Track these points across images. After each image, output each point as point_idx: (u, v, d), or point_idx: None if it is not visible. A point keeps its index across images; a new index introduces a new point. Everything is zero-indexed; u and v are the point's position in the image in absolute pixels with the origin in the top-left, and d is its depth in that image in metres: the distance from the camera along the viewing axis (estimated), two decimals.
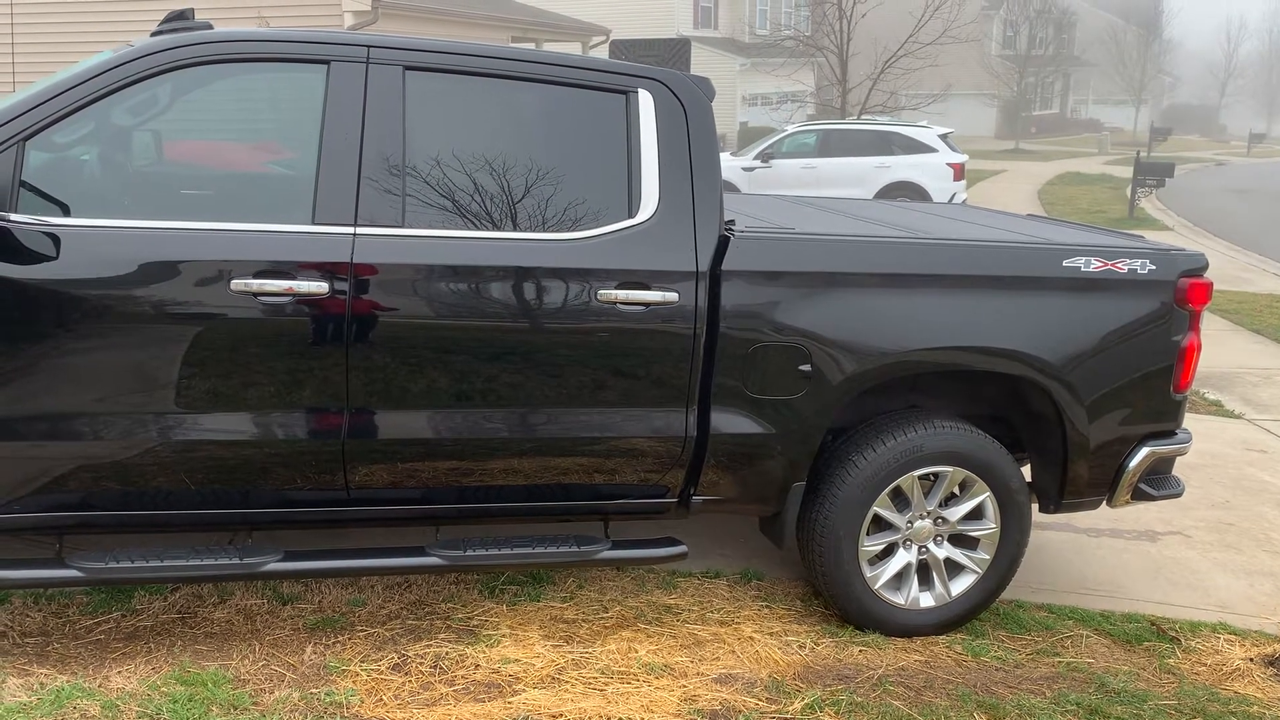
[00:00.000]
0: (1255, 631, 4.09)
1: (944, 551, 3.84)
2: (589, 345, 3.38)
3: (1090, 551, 4.77)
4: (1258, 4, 71.98)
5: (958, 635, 3.88)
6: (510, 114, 3.51)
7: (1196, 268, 3.87)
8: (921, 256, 3.67)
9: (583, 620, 3.80)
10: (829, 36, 24.24)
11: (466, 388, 3.32)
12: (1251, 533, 5.06)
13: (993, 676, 3.63)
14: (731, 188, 15.61)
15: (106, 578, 3.23)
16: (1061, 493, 3.90)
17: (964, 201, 16.54)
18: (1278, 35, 71.53)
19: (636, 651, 3.59)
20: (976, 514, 3.81)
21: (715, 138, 3.55)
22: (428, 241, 3.25)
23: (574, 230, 3.37)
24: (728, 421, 3.53)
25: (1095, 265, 3.73)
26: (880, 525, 3.76)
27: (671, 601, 3.98)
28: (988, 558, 3.84)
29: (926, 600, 3.84)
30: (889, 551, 3.81)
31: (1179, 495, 4.08)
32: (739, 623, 3.85)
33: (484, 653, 3.52)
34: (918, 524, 3.78)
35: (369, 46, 3.29)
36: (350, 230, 3.18)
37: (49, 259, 3.01)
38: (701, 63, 22.35)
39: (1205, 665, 3.82)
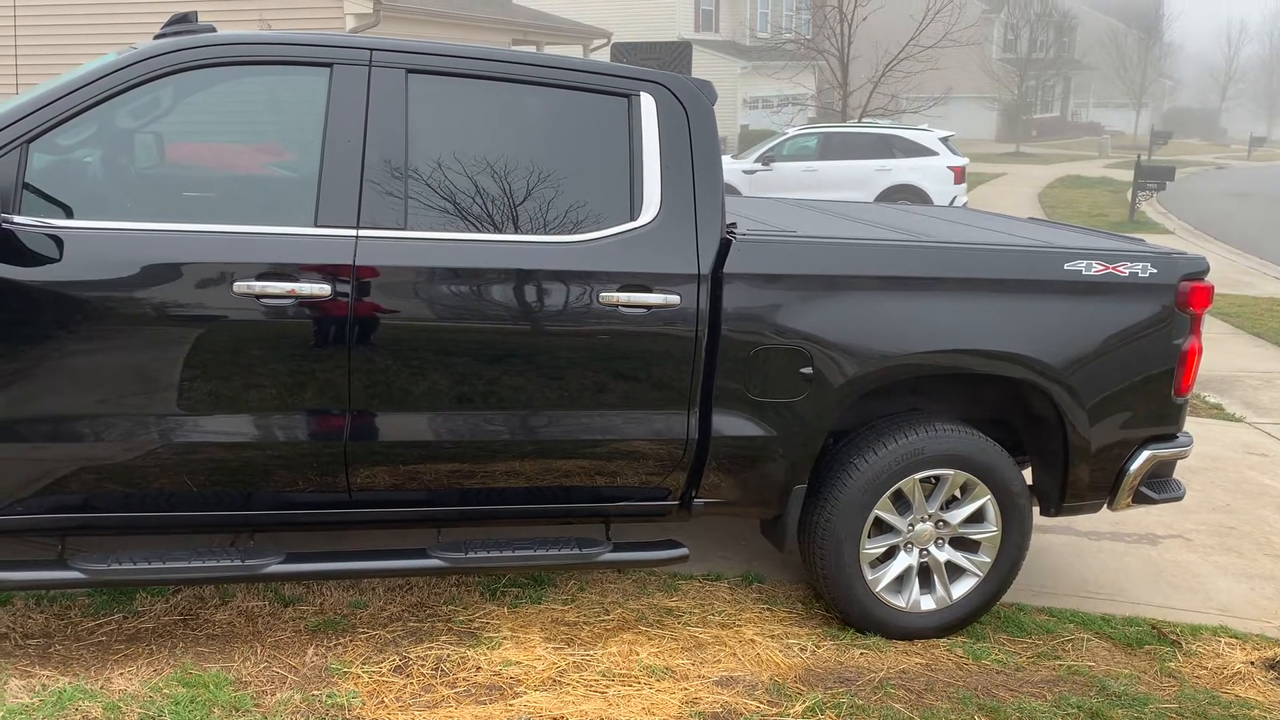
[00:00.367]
0: (1256, 635, 4.09)
1: (945, 554, 3.84)
2: (591, 348, 3.38)
3: (1091, 555, 4.77)
4: (1258, 7, 72.10)
5: (959, 638, 3.88)
6: (512, 117, 3.52)
7: (1197, 271, 3.87)
8: (923, 259, 3.68)
9: (584, 622, 3.81)
10: (830, 40, 24.25)
11: (468, 390, 3.33)
12: (1252, 536, 5.06)
13: (994, 679, 3.63)
14: (732, 190, 15.62)
15: (108, 579, 3.23)
16: (1062, 496, 3.91)
17: (964, 205, 16.56)
18: (1278, 39, 71.57)
19: (638, 654, 3.59)
20: (978, 517, 3.81)
21: (717, 140, 3.56)
22: (430, 244, 3.26)
23: (576, 233, 3.38)
24: (729, 424, 3.53)
25: (1096, 268, 3.73)
26: (881, 528, 3.77)
27: (673, 604, 3.98)
28: (989, 561, 3.85)
29: (927, 603, 3.85)
30: (890, 554, 3.81)
31: (1180, 499, 4.08)
32: (740, 625, 3.86)
33: (485, 655, 3.53)
34: (919, 527, 3.79)
35: (371, 49, 3.30)
36: (353, 233, 3.19)
37: (52, 261, 3.02)
38: (702, 66, 22.38)
39: (1206, 669, 3.82)
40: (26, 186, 3.05)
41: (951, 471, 3.72)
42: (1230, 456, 6.25)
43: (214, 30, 3.33)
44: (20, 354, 3.02)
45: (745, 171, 17.24)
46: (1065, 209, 21.71)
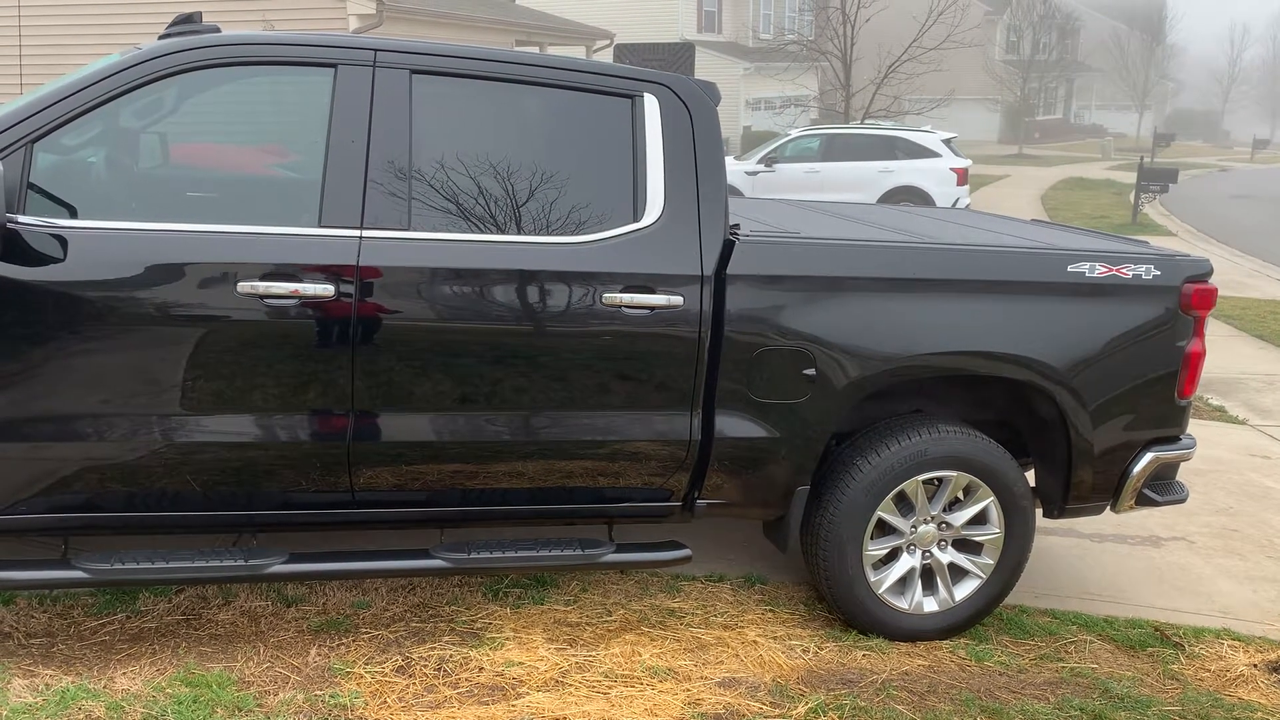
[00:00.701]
0: (1259, 638, 4.09)
1: (948, 556, 3.84)
2: (594, 348, 3.38)
3: (1094, 557, 4.77)
4: (1262, 10, 72.04)
5: (961, 640, 3.88)
6: (516, 118, 3.52)
7: (1201, 273, 3.87)
8: (926, 261, 3.68)
9: (586, 623, 3.81)
10: (833, 41, 24.24)
11: (471, 391, 3.33)
12: (1255, 539, 5.06)
13: (996, 681, 3.63)
14: (735, 192, 15.62)
15: (112, 579, 3.24)
16: (1065, 498, 3.90)
17: (967, 206, 16.55)
18: None
19: (640, 655, 3.59)
20: (980, 519, 3.81)
21: (720, 142, 3.56)
22: (433, 244, 3.26)
23: (579, 234, 3.38)
24: (732, 425, 3.53)
25: (1100, 270, 3.73)
26: (884, 530, 3.77)
27: (675, 605, 3.98)
28: (991, 562, 3.84)
29: (930, 605, 3.84)
30: (893, 556, 3.81)
31: (1183, 501, 4.08)
32: (743, 626, 3.86)
33: (488, 655, 3.53)
34: (922, 529, 3.78)
35: (375, 50, 3.30)
36: (356, 233, 3.19)
37: (56, 261, 3.02)
38: (705, 67, 22.39)
39: (1209, 671, 3.82)
40: (31, 186, 3.05)
41: (954, 473, 3.72)
42: (1233, 459, 6.25)
43: (218, 30, 3.33)
44: (24, 354, 3.03)
45: (748, 173, 17.24)
46: (1068, 211, 21.69)
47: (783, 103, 30.33)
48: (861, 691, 3.47)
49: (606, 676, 3.45)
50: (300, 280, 3.13)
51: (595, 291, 3.34)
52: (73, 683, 3.20)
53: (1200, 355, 3.88)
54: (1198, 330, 3.87)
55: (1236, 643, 4.03)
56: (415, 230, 3.25)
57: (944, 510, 3.79)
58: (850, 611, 3.81)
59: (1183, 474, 4.15)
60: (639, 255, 3.39)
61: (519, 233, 3.36)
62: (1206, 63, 69.45)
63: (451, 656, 3.51)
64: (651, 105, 3.49)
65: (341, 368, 3.22)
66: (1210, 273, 3.91)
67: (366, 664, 3.44)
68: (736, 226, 3.60)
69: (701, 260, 3.43)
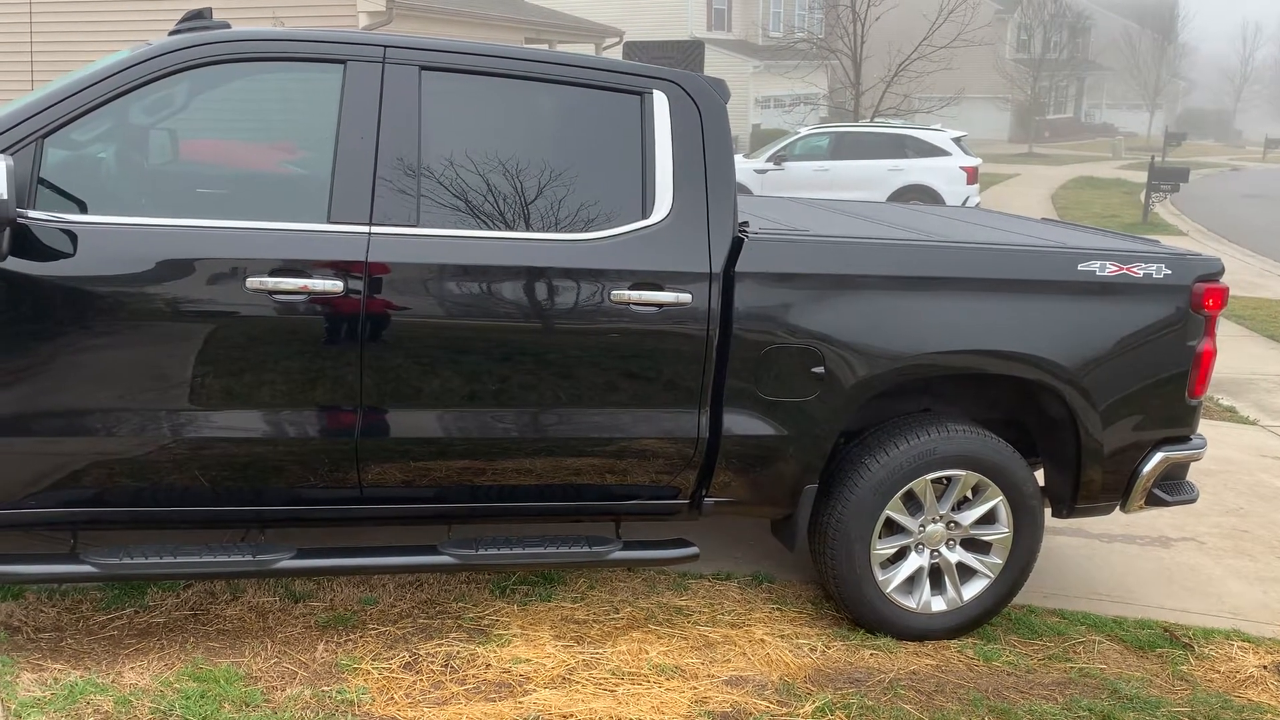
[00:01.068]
0: (1269, 639, 4.07)
1: (956, 555, 3.82)
2: (602, 346, 3.38)
3: (1103, 557, 4.75)
4: (1274, 9, 71.67)
5: (969, 639, 3.87)
6: (525, 114, 3.52)
7: (1212, 272, 3.85)
8: (935, 259, 3.66)
9: (593, 621, 3.80)
10: (842, 39, 24.21)
11: (479, 387, 3.33)
12: (1265, 539, 5.04)
13: (1004, 681, 3.61)
14: (744, 190, 15.61)
15: (120, 574, 3.25)
16: (1075, 497, 3.89)
17: (977, 205, 16.51)
18: None
19: (647, 653, 3.59)
20: (989, 518, 3.80)
21: (730, 139, 3.55)
22: (442, 241, 3.26)
23: (588, 231, 3.37)
24: (740, 423, 3.52)
25: (1110, 269, 3.71)
26: (892, 529, 3.76)
27: (682, 603, 3.98)
28: (1000, 562, 3.83)
29: (938, 604, 3.83)
30: (901, 555, 3.80)
31: (1193, 501, 4.06)
32: (750, 625, 3.85)
33: (495, 652, 3.53)
34: (930, 528, 3.77)
35: (385, 46, 3.30)
36: (365, 229, 3.19)
37: (66, 256, 3.02)
38: (714, 65, 22.37)
39: (1219, 672, 3.80)
40: (41, 181, 3.06)
41: (963, 472, 3.71)
42: (1243, 459, 6.22)
43: (228, 26, 3.33)
44: (33, 348, 3.03)
45: (757, 171, 17.23)
46: (1078, 210, 21.63)
47: (792, 101, 30.26)
48: (869, 690, 3.47)
49: (613, 674, 3.45)
50: (309, 276, 3.13)
51: (603, 289, 3.33)
52: (81, 677, 3.21)
53: (1211, 355, 3.86)
54: (1209, 330, 3.85)
55: (1246, 644, 4.01)
56: (424, 226, 3.24)
57: (953, 509, 3.78)
58: (858, 610, 3.80)
59: (1193, 474, 4.13)
60: (647, 252, 3.39)
61: (528, 229, 3.36)
62: (1218, 61, 69.15)
63: (459, 653, 3.51)
64: (661, 102, 3.48)
65: (350, 364, 3.22)
66: (1222, 272, 3.89)
67: (374, 660, 3.44)
68: (745, 224, 3.59)
69: (710, 258, 3.42)
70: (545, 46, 19.41)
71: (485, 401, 3.34)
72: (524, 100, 3.48)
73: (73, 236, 3.03)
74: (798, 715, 3.30)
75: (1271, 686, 3.72)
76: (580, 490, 3.54)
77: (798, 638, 3.79)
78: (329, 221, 3.19)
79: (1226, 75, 67.81)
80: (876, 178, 16.66)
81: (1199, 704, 3.54)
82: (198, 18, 3.37)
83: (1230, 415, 7.19)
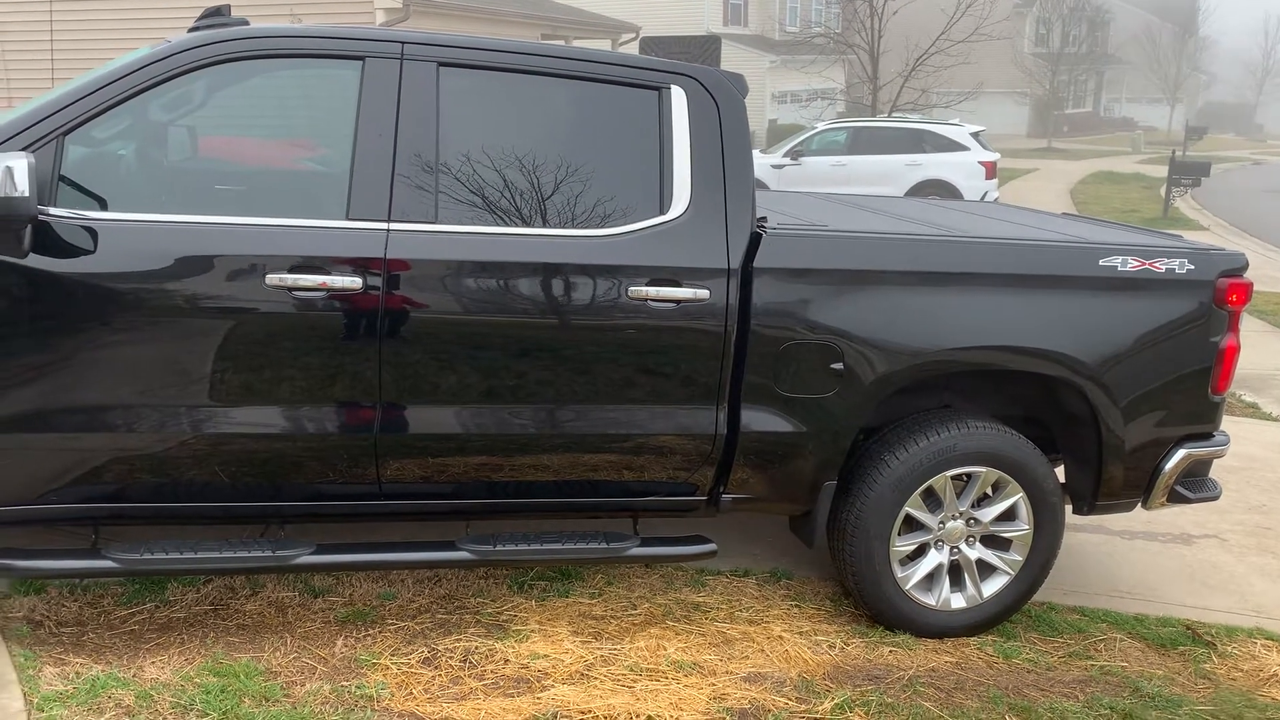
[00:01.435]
0: None
1: (976, 552, 3.80)
2: (619, 342, 3.37)
3: (1124, 554, 4.72)
4: None
5: (989, 637, 3.85)
6: (543, 110, 3.51)
7: (1236, 267, 3.81)
8: (955, 254, 3.64)
9: (611, 617, 3.80)
10: (860, 33, 24.11)
11: (497, 384, 3.33)
12: None
13: (1024, 679, 3.59)
14: (761, 185, 15.56)
15: (141, 569, 3.26)
16: (1096, 494, 3.86)
17: (996, 200, 16.41)
18: None
19: (665, 649, 3.59)
20: (1009, 515, 3.77)
21: (748, 134, 3.54)
22: (460, 237, 3.26)
23: (605, 227, 3.37)
24: (758, 420, 3.51)
25: (1132, 264, 3.68)
26: (912, 525, 3.74)
27: (700, 599, 3.97)
28: (1020, 559, 3.81)
29: (958, 601, 3.81)
30: (920, 552, 3.78)
31: (1216, 498, 4.02)
32: (768, 622, 3.84)
33: (513, 648, 3.53)
34: (950, 524, 3.75)
35: (403, 43, 3.30)
36: (384, 226, 3.19)
37: (87, 253, 3.04)
38: (731, 60, 22.29)
39: (1242, 671, 3.77)
40: (62, 179, 3.07)
41: (983, 469, 3.69)
42: (1267, 456, 6.16)
43: (247, 23, 3.34)
44: (54, 344, 3.05)
45: (774, 166, 17.18)
46: (1098, 205, 21.48)
47: (809, 96, 30.21)
48: (888, 688, 3.45)
49: (631, 670, 3.45)
50: (328, 273, 3.14)
51: (621, 285, 3.33)
52: (103, 671, 3.23)
53: (1234, 351, 3.82)
54: (1232, 325, 3.81)
55: (1270, 642, 3.97)
56: (442, 223, 3.24)
57: (972, 506, 3.76)
58: (877, 607, 3.78)
59: (1216, 471, 4.09)
60: (665, 248, 3.38)
61: (545, 225, 3.36)
62: (1240, 55, 68.50)
63: (477, 648, 3.52)
64: (678, 97, 3.47)
65: (368, 360, 3.22)
66: (1245, 267, 3.85)
67: (393, 655, 3.45)
68: (763, 219, 3.57)
69: (728, 253, 3.41)
70: (561, 42, 19.41)
71: (503, 398, 3.34)
72: (541, 96, 3.47)
73: (93, 233, 3.04)
74: (816, 712, 3.29)
75: None
76: (598, 486, 3.54)
77: (816, 634, 3.78)
78: (348, 218, 3.19)
79: (1248, 69, 67.17)
80: (894, 173, 16.58)
81: (1222, 702, 3.51)
82: (216, 15, 3.37)
83: (1253, 412, 7.13)
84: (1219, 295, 3.75)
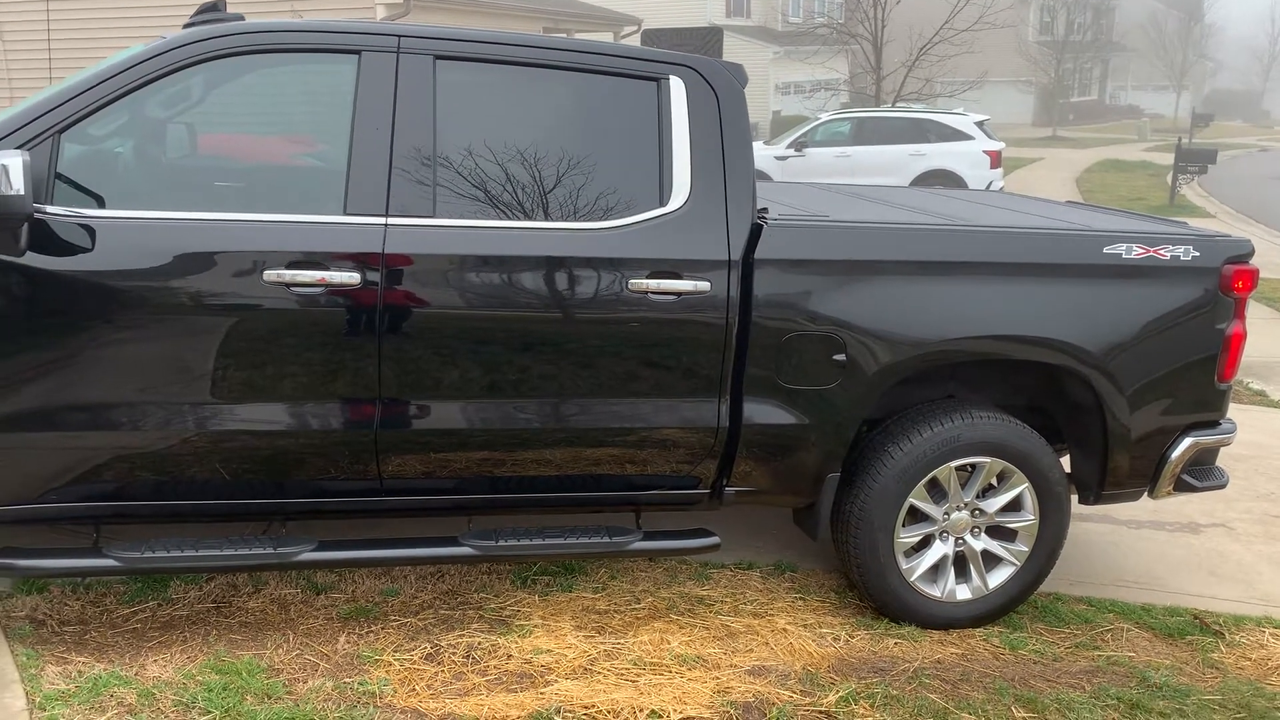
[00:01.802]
0: None
1: (981, 543, 3.78)
2: (620, 335, 3.35)
3: (1130, 544, 4.69)
4: None
5: (995, 628, 3.83)
6: (541, 102, 3.49)
7: (1241, 254, 3.78)
8: (958, 244, 3.62)
9: (615, 611, 3.79)
10: (863, 24, 24.00)
11: (497, 378, 3.31)
12: None
13: (1031, 670, 3.57)
14: (765, 176, 15.52)
15: (142, 567, 3.25)
16: (1101, 484, 3.84)
17: (1000, 190, 16.35)
18: None
19: (669, 643, 3.57)
20: (1014, 505, 3.75)
21: (748, 124, 3.51)
22: (459, 232, 3.24)
23: (605, 219, 3.35)
24: (761, 412, 3.49)
25: (1137, 252, 3.65)
26: (916, 517, 3.71)
27: (704, 593, 3.96)
28: (1026, 550, 3.78)
29: (963, 593, 3.79)
30: (925, 543, 3.76)
31: (1223, 487, 4.00)
32: (772, 614, 3.82)
33: (516, 643, 3.52)
34: (954, 515, 3.73)
35: (400, 36, 3.28)
36: (382, 221, 3.17)
37: (84, 250, 3.03)
38: (734, 51, 22.26)
39: (1250, 660, 3.74)
40: (59, 177, 3.06)
41: (988, 459, 3.66)
42: (1274, 444, 6.13)
43: (242, 19, 3.32)
44: (52, 343, 3.04)
45: (778, 158, 17.12)
46: (1103, 193, 21.39)
47: (813, 87, 30.09)
48: (893, 680, 3.43)
49: (635, 664, 3.43)
50: (326, 268, 3.12)
51: (621, 277, 3.31)
52: (105, 670, 3.22)
53: (1241, 338, 3.79)
54: (1238, 312, 3.78)
55: (1278, 631, 3.95)
56: (440, 217, 3.23)
57: (977, 497, 3.73)
58: (882, 599, 3.76)
59: (1223, 459, 4.07)
60: (665, 240, 3.36)
61: (544, 219, 3.34)
62: (1246, 42, 68.14)
63: (480, 644, 3.51)
64: (677, 88, 3.45)
65: (368, 355, 3.21)
66: (1251, 253, 3.82)
67: (395, 651, 3.44)
68: (764, 210, 3.55)
69: (729, 245, 3.38)
70: (563, 36, 19.37)
71: (503, 392, 3.32)
72: (539, 88, 3.45)
73: (90, 231, 3.03)
74: (821, 705, 3.27)
75: None
76: (600, 480, 3.52)
77: (821, 627, 3.76)
78: (345, 213, 3.17)
79: (1255, 55, 66.86)
80: (899, 163, 16.52)
81: (1230, 692, 3.49)
82: (211, 10, 3.36)
83: (1261, 399, 7.09)
84: (1224, 282, 3.72)
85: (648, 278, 3.32)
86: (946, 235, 3.65)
